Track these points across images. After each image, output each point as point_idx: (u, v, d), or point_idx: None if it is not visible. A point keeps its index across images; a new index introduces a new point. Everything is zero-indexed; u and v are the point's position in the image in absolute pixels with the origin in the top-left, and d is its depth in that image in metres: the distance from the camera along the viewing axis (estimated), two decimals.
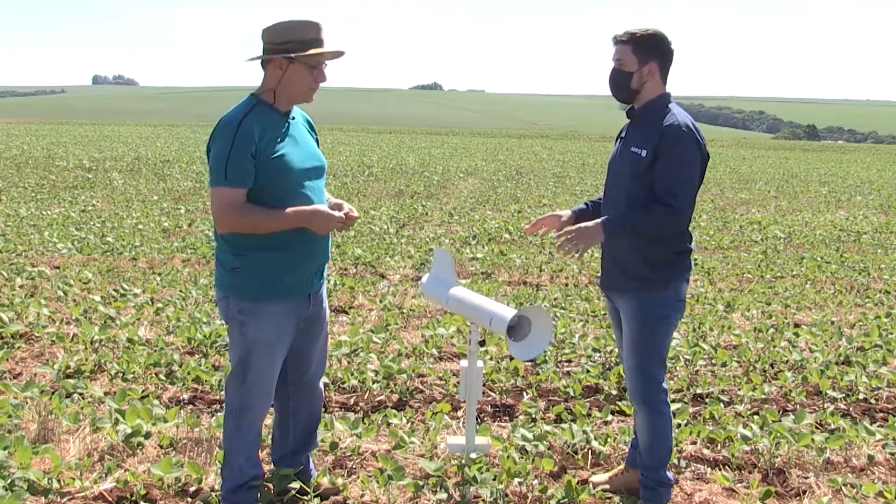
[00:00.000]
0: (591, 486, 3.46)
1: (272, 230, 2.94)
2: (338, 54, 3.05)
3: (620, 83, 3.19)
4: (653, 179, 3.10)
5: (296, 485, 3.31)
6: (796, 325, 6.57)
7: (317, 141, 3.26)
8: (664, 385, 3.30)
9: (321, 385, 3.41)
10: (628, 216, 3.13)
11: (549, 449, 3.92)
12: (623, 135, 3.33)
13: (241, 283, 3.01)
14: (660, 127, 3.10)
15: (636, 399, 3.30)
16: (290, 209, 2.92)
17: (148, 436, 3.93)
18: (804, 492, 3.64)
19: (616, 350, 3.66)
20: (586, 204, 3.53)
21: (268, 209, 2.92)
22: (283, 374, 3.28)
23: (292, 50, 2.93)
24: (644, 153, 3.11)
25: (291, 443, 3.39)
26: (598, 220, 3.14)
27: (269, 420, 4.01)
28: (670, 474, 3.38)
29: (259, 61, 3.02)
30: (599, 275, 3.49)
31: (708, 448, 4.03)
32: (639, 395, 3.27)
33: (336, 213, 2.97)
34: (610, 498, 3.48)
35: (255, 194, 2.92)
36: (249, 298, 3.01)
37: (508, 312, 3.11)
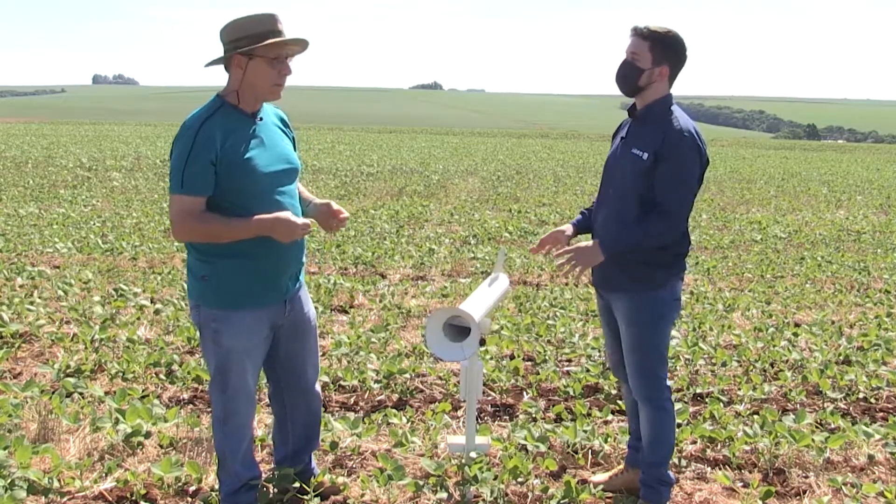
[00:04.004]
0: (590, 486, 3.46)
1: (233, 239, 2.86)
2: (298, 42, 2.89)
3: (629, 77, 3.16)
4: (653, 182, 3.11)
5: (296, 484, 3.31)
6: (796, 325, 6.57)
7: (293, 140, 3.14)
8: (667, 382, 3.31)
9: (318, 387, 3.38)
10: (625, 236, 3.13)
11: (549, 449, 3.91)
12: (623, 134, 3.31)
13: (211, 291, 2.95)
14: (663, 131, 3.10)
15: (640, 396, 3.30)
16: (253, 218, 2.82)
17: (148, 436, 3.93)
18: (804, 492, 3.64)
19: (605, 349, 3.63)
20: (582, 213, 3.51)
21: (228, 218, 2.83)
22: (275, 379, 3.26)
23: (248, 45, 2.80)
24: (645, 156, 3.10)
25: (292, 444, 3.38)
26: (595, 242, 3.14)
27: (269, 420, 4.02)
28: (671, 473, 3.39)
29: (226, 64, 2.89)
30: (593, 275, 3.48)
31: (708, 448, 4.03)
32: (642, 392, 3.28)
33: (299, 221, 2.85)
34: (610, 498, 3.48)
35: (220, 201, 2.83)
36: (220, 306, 2.94)
37: (448, 314, 3.14)
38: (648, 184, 3.12)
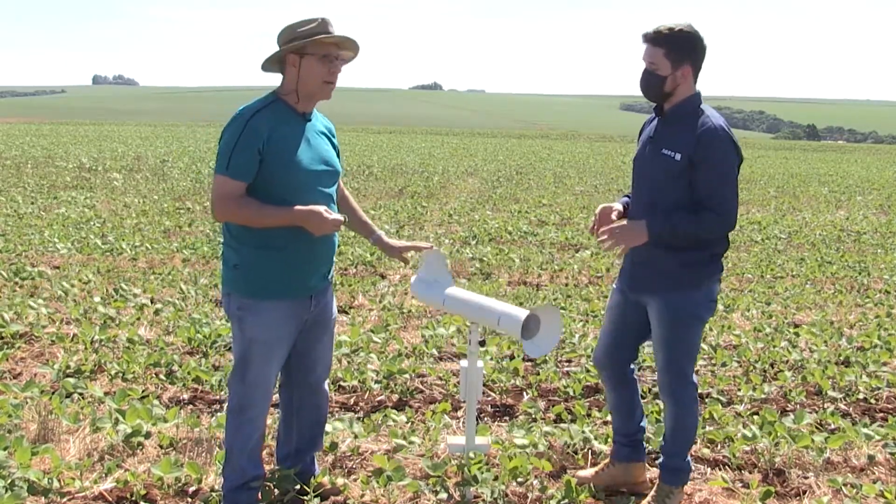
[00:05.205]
0: (575, 480, 3.46)
1: (266, 225, 2.96)
2: (346, 41, 3.02)
3: (652, 86, 3.13)
4: (690, 183, 3.09)
5: (296, 486, 3.31)
6: (796, 325, 6.57)
7: (337, 149, 3.24)
8: (693, 379, 3.31)
9: (326, 387, 3.41)
10: (676, 221, 3.08)
11: (549, 449, 3.92)
12: (652, 134, 3.25)
13: (242, 280, 3.04)
14: (695, 130, 3.06)
15: (665, 393, 3.32)
16: (290, 207, 2.93)
17: (148, 436, 3.93)
18: (804, 492, 3.64)
19: (598, 343, 3.59)
20: (628, 196, 3.45)
21: (265, 204, 2.93)
22: (287, 373, 3.30)
23: (299, 43, 2.93)
24: (678, 157, 3.07)
25: (296, 442, 3.40)
26: (643, 222, 3.09)
27: (269, 420, 4.02)
28: (690, 460, 3.41)
29: (280, 67, 3.02)
30: (619, 275, 3.43)
31: (708, 448, 4.03)
32: (667, 388, 3.30)
33: (332, 216, 2.95)
34: (610, 498, 3.48)
35: (261, 190, 2.93)
36: (247, 295, 3.04)
37: (520, 312, 3.10)
38: (683, 185, 3.10)
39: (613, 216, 3.31)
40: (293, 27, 2.98)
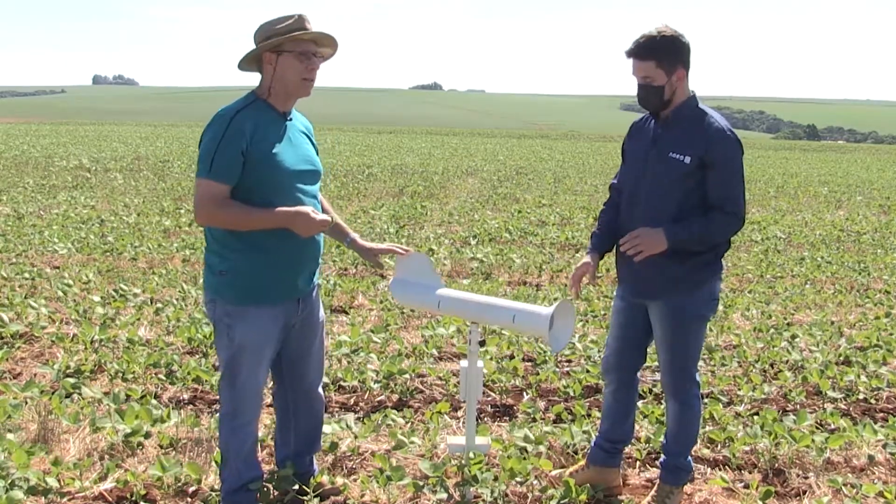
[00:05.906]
0: (574, 480, 3.46)
1: (252, 227, 2.90)
2: (323, 38, 2.97)
3: (652, 99, 3.11)
4: (697, 185, 3.09)
5: (295, 486, 3.31)
6: (796, 325, 6.57)
7: (315, 150, 3.20)
8: (697, 378, 3.32)
9: (321, 389, 3.40)
10: (691, 225, 3.09)
11: (549, 449, 3.91)
12: (652, 139, 3.21)
13: (228, 287, 2.99)
14: (703, 132, 3.07)
15: (668, 391, 3.33)
16: (275, 209, 2.87)
17: (148, 436, 3.93)
18: (804, 492, 3.64)
19: (607, 349, 3.58)
20: (595, 235, 3.42)
21: (249, 206, 2.87)
22: (280, 380, 3.28)
23: (276, 41, 2.89)
24: (687, 160, 3.06)
25: (294, 445, 3.39)
26: (660, 230, 3.07)
27: (268, 420, 4.02)
28: (691, 460, 3.42)
29: (258, 66, 2.98)
30: (618, 282, 3.42)
31: (708, 448, 4.03)
32: (671, 388, 3.31)
33: (319, 216, 2.91)
34: (609, 498, 3.48)
35: (244, 192, 2.88)
36: (235, 301, 2.99)
37: (542, 309, 3.09)
38: (688, 188, 3.10)
39: (593, 264, 3.31)
40: (269, 24, 2.92)
